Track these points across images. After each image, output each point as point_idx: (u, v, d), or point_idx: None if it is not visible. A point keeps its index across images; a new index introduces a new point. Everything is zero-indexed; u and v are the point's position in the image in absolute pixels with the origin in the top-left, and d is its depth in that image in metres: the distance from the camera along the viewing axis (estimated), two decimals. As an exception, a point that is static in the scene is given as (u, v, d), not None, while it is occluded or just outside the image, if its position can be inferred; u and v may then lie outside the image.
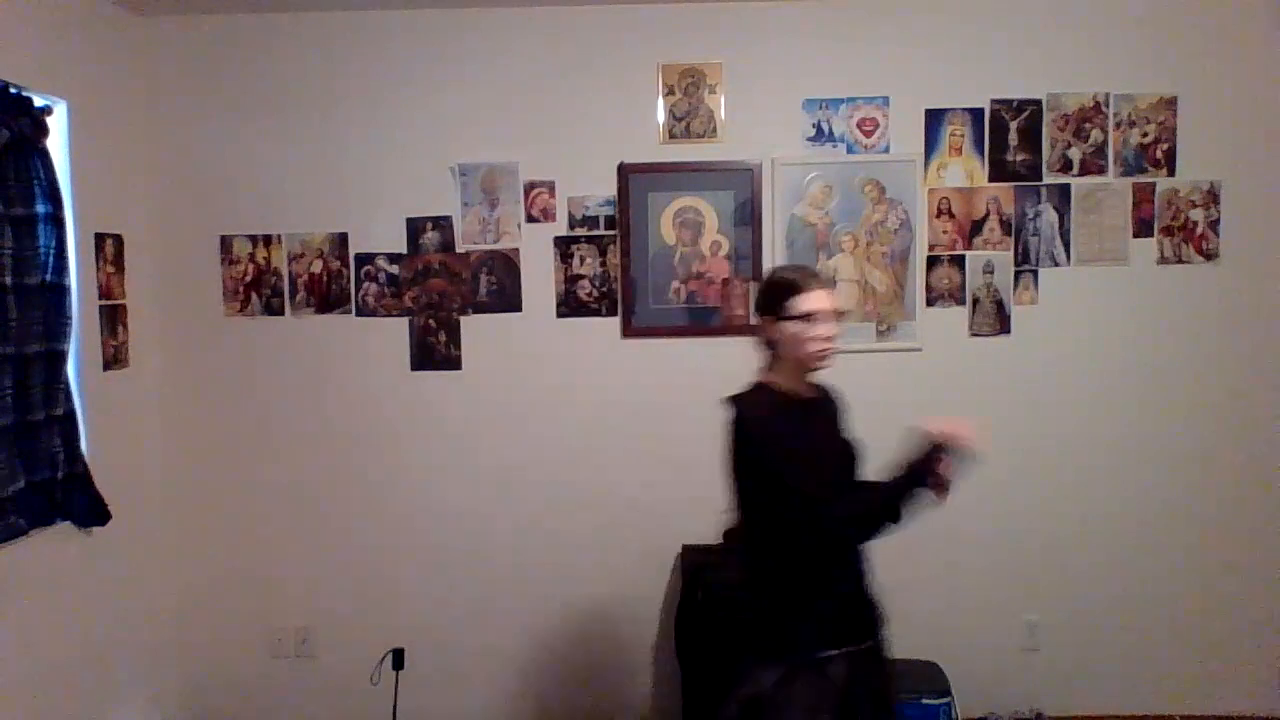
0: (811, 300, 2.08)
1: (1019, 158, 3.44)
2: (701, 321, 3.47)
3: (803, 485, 2.03)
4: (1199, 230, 3.46)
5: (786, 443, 2.06)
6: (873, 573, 2.18)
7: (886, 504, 2.05)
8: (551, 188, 3.45)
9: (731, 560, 2.33)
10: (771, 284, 2.20)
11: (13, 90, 2.69)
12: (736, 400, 2.14)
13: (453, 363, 3.48)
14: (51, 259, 2.79)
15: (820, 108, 3.43)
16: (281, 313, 3.47)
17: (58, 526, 2.88)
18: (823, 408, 2.25)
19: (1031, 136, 3.43)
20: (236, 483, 3.51)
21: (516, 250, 3.46)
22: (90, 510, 2.97)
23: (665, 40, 3.41)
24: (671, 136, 3.45)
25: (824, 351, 2.10)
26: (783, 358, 2.15)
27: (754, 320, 2.23)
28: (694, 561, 3.33)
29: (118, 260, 3.23)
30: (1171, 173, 3.45)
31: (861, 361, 3.45)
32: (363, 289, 3.47)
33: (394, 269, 3.46)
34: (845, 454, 2.21)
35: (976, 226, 3.46)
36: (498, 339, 3.48)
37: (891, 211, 3.45)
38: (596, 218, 3.45)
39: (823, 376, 2.22)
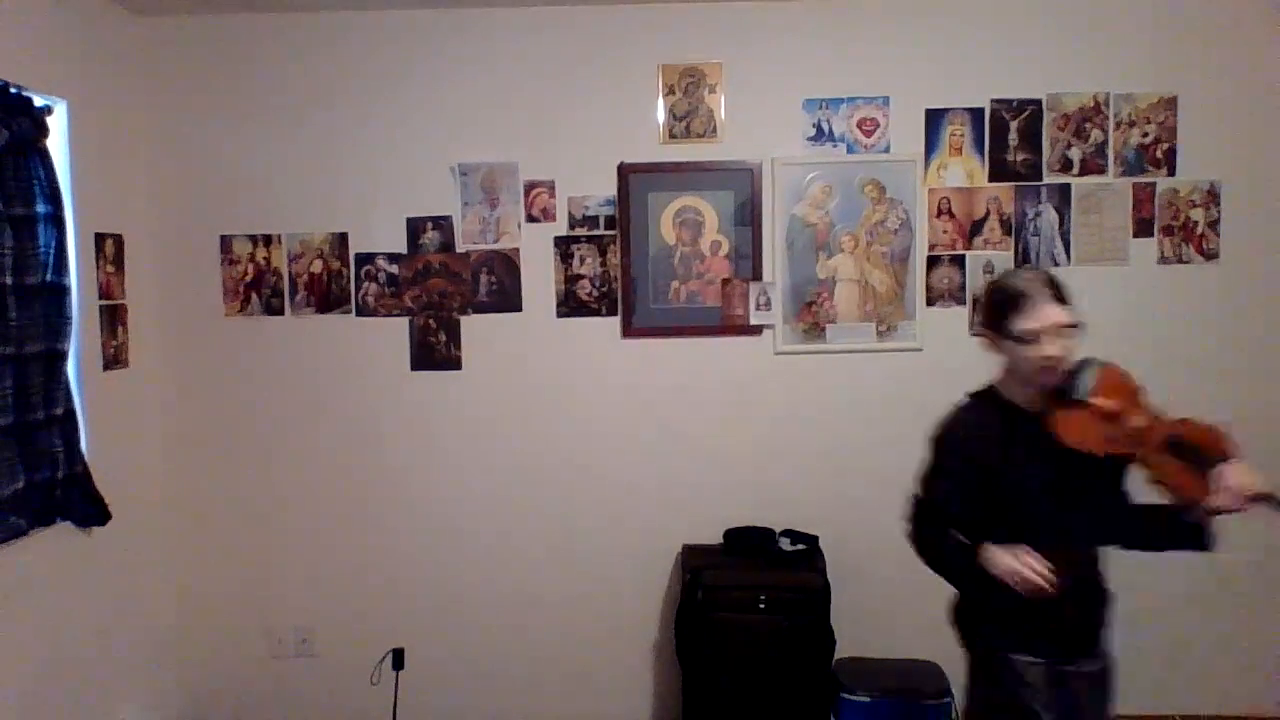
0: (1034, 319, 1.93)
1: (1019, 157, 3.44)
2: (701, 321, 3.46)
3: (924, 491, 2.07)
4: (1199, 230, 3.46)
5: (950, 452, 2.04)
6: (1101, 588, 2.17)
7: (951, 560, 2.01)
8: (551, 188, 3.45)
9: None
10: (993, 296, 2.06)
11: (13, 90, 2.68)
12: (962, 403, 2.12)
13: (453, 363, 3.48)
14: (51, 259, 2.79)
15: (820, 108, 3.43)
16: (281, 313, 3.47)
17: (57, 526, 2.88)
18: None
19: (1031, 136, 3.43)
20: (236, 483, 3.51)
21: (516, 250, 3.46)
22: (90, 510, 2.96)
23: (665, 40, 3.41)
24: (671, 136, 3.45)
25: (1049, 371, 1.96)
26: (1010, 370, 2.05)
27: (976, 330, 2.05)
28: (694, 561, 3.33)
29: (118, 260, 3.23)
30: (1171, 173, 3.44)
31: (861, 361, 3.47)
32: (363, 289, 3.47)
33: (394, 269, 3.46)
34: (1072, 471, 2.02)
35: (976, 226, 3.46)
36: (498, 339, 3.48)
37: (892, 211, 3.44)
38: (596, 218, 3.45)
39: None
